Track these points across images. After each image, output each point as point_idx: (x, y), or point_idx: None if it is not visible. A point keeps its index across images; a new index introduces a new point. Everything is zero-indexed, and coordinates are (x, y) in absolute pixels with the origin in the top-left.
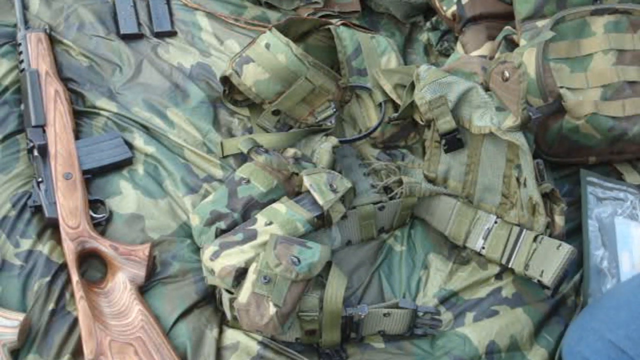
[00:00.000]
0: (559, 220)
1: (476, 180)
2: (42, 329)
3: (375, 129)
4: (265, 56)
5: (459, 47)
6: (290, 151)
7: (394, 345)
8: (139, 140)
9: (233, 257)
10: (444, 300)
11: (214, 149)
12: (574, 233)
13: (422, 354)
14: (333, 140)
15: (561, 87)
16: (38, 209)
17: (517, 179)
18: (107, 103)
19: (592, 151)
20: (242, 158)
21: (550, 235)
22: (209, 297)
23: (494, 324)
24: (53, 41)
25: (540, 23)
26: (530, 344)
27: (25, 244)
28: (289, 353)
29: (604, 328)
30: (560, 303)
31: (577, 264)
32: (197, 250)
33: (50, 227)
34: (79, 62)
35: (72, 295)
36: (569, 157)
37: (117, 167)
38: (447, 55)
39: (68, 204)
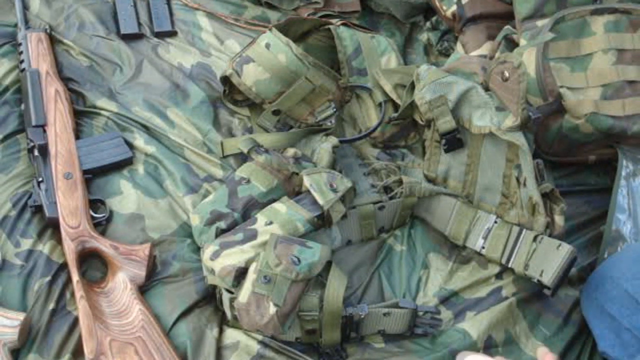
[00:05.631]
0: (559, 220)
1: (476, 180)
2: (42, 329)
3: (375, 129)
4: (265, 56)
5: (459, 47)
6: (290, 151)
7: (394, 344)
8: (139, 140)
9: (233, 257)
10: (444, 300)
11: (214, 148)
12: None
13: (423, 350)
14: (333, 140)
15: (561, 87)
16: (38, 209)
17: (517, 179)
18: (108, 103)
19: (592, 150)
20: (242, 158)
21: (550, 235)
22: (209, 297)
23: (492, 318)
24: (53, 41)
25: (540, 22)
26: (527, 338)
27: (26, 244)
28: (289, 352)
29: (621, 278)
30: (556, 297)
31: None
32: (198, 249)
33: (51, 227)
34: (79, 62)
35: (73, 294)
36: (568, 157)
37: (117, 166)
38: (447, 55)
39: (68, 204)
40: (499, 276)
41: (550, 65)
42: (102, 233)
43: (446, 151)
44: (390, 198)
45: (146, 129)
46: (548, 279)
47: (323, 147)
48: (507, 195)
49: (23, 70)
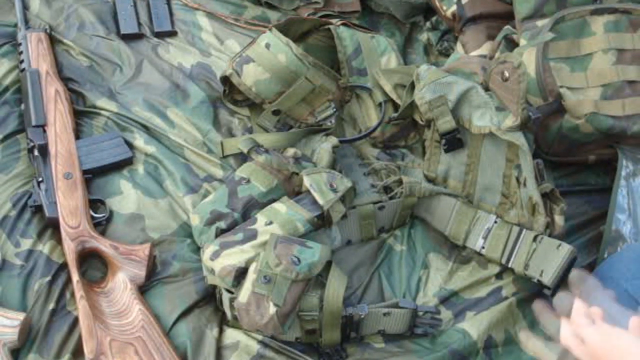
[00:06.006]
0: (559, 220)
1: (476, 180)
2: (42, 329)
3: (375, 129)
4: (265, 56)
5: (459, 47)
6: (290, 151)
7: (394, 344)
8: (139, 140)
9: (233, 257)
10: (444, 300)
11: (214, 148)
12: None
13: (423, 350)
14: (333, 140)
15: (561, 87)
16: (38, 209)
17: (517, 179)
18: (108, 103)
19: (592, 150)
20: (242, 158)
21: (550, 235)
22: (209, 297)
23: (492, 318)
24: (53, 41)
25: (540, 23)
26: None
27: (26, 244)
28: (289, 352)
29: (621, 278)
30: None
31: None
32: (198, 249)
33: (51, 227)
34: (79, 62)
35: (73, 294)
36: (568, 157)
37: (117, 166)
38: (447, 55)
39: (68, 204)
40: (499, 276)
41: (550, 65)
42: (102, 233)
43: (446, 151)
44: (390, 198)
45: (146, 129)
46: (548, 279)
47: (323, 147)
48: (507, 195)
49: (23, 70)
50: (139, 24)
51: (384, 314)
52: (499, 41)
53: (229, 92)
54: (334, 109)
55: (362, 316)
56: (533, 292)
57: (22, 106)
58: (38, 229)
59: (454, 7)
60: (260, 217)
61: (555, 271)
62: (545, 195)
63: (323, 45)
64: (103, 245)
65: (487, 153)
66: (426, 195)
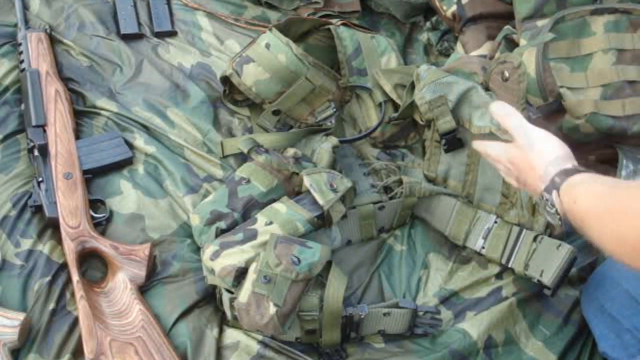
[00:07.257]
0: None
1: (476, 180)
2: (42, 329)
3: (375, 129)
4: (265, 56)
5: (459, 47)
6: (290, 151)
7: (394, 344)
8: (139, 140)
9: (233, 257)
10: (444, 300)
11: (214, 148)
12: None
13: (423, 350)
14: (333, 140)
15: (561, 87)
16: (38, 209)
17: None
18: (108, 103)
19: (592, 150)
20: (242, 158)
21: (550, 235)
22: (209, 297)
23: (492, 318)
24: (53, 41)
25: (540, 23)
26: (527, 338)
27: (26, 244)
28: (289, 352)
29: (621, 278)
30: (556, 297)
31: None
32: (198, 249)
33: (51, 227)
34: (79, 62)
35: (73, 294)
36: None
37: (117, 166)
38: (447, 55)
39: (68, 204)
40: (499, 276)
41: (550, 65)
42: (102, 233)
43: (446, 151)
44: (390, 198)
45: (146, 129)
46: (548, 279)
47: (323, 147)
48: (507, 195)
49: (23, 70)
50: (139, 24)
51: (384, 314)
52: (499, 41)
53: (229, 92)
54: (334, 109)
55: (362, 316)
56: (533, 292)
57: (22, 106)
58: (38, 229)
59: (454, 7)
60: (260, 217)
61: (555, 271)
62: None
63: (323, 45)
64: (103, 245)
65: None
66: (426, 195)
